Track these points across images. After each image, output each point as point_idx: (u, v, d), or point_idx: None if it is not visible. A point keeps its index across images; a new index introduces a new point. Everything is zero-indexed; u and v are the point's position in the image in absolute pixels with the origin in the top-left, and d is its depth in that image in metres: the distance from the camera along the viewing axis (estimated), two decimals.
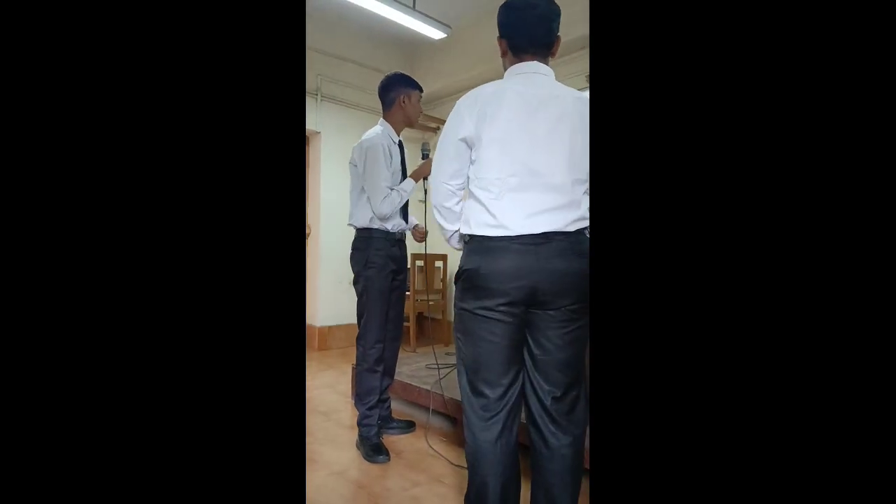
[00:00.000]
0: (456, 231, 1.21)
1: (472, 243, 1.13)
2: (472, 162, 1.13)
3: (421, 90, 2.08)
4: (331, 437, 2.11)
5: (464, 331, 1.15)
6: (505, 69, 1.21)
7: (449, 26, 3.37)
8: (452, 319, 4.12)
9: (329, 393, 2.77)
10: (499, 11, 1.18)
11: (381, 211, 1.88)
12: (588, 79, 3.35)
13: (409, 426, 2.19)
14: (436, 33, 3.34)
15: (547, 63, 1.17)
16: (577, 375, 1.15)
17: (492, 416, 1.11)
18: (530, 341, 1.14)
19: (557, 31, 1.17)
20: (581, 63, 3.36)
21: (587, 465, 1.48)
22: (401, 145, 2.07)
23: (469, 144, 1.12)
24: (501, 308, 1.09)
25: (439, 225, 1.22)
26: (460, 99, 1.15)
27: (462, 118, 1.11)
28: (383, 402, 2.11)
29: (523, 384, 1.16)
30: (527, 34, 1.15)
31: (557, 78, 1.20)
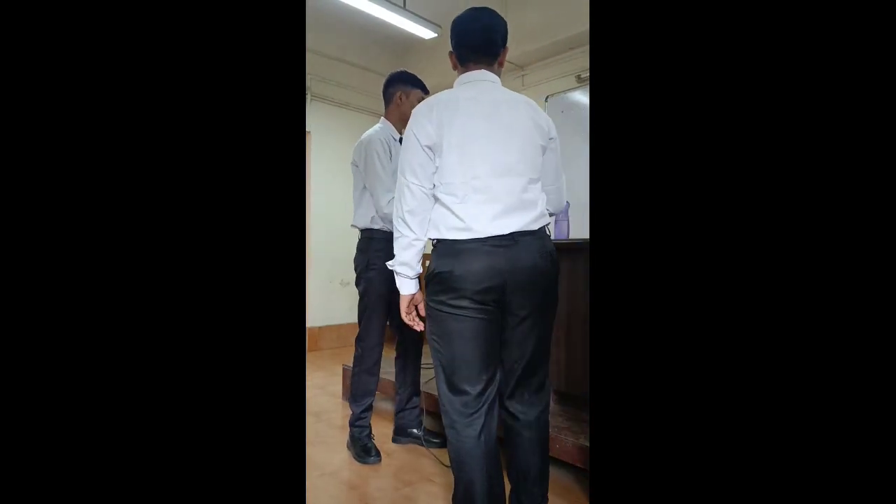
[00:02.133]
0: (422, 242, 1.20)
1: (441, 247, 1.17)
2: (435, 169, 1.17)
3: (423, 89, 2.00)
4: (322, 439, 2.10)
5: (440, 332, 1.17)
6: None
7: (440, 26, 3.37)
8: None
9: (320, 394, 2.76)
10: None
11: (385, 211, 1.83)
12: (578, 79, 3.36)
13: None
14: (426, 33, 3.34)
15: (493, 71, 1.22)
16: (545, 362, 1.23)
17: (473, 413, 1.15)
18: (503, 335, 1.19)
19: (503, 44, 1.23)
20: (571, 63, 3.38)
21: (581, 464, 1.50)
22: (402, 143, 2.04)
23: (434, 150, 1.15)
24: (476, 307, 1.13)
25: (401, 234, 1.19)
26: (416, 107, 1.20)
27: (423, 125, 1.15)
28: (413, 409, 2.08)
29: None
30: (469, 45, 1.21)
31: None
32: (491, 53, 1.21)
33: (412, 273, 1.22)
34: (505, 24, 1.23)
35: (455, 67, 1.25)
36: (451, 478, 1.69)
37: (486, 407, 1.17)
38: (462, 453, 1.16)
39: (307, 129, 3.92)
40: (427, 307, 1.21)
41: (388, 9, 3.01)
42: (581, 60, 3.35)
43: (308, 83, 3.85)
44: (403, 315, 1.28)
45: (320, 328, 3.97)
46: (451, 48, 1.25)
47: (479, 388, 1.16)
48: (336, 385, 2.85)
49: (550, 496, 1.58)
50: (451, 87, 1.22)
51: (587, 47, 3.32)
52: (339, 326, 4.11)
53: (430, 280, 1.18)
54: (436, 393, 2.07)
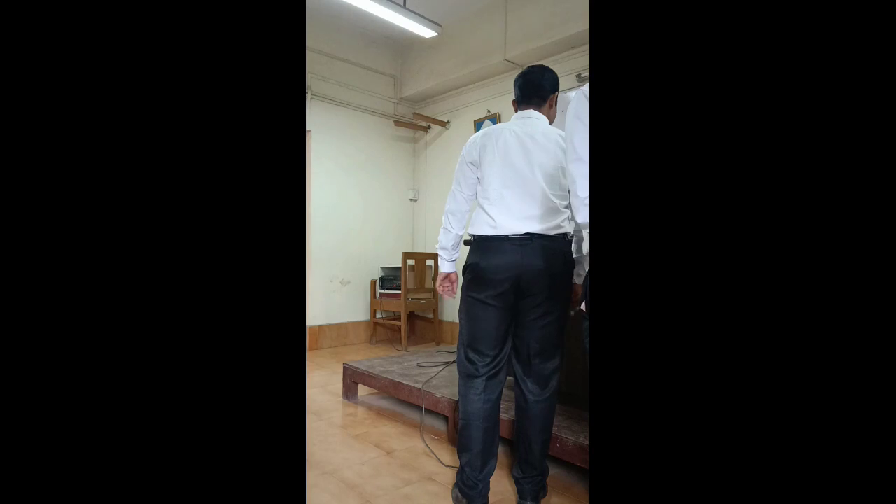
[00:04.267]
0: (459, 235, 1.59)
1: (474, 244, 1.51)
2: (478, 180, 1.53)
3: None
4: (322, 437, 2.10)
5: (466, 312, 1.52)
6: None
7: (440, 25, 3.37)
8: (444, 318, 4.09)
9: (320, 393, 2.76)
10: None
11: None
12: (578, 78, 3.36)
13: None
14: (427, 32, 3.33)
15: (543, 111, 1.58)
16: (554, 351, 1.49)
17: (478, 377, 1.49)
18: (518, 323, 1.49)
19: (552, 90, 1.60)
20: (571, 63, 3.38)
21: (581, 463, 1.50)
22: None
23: (476, 166, 1.54)
24: (495, 294, 1.44)
25: (444, 227, 1.59)
26: (473, 135, 1.59)
27: (471, 147, 1.55)
28: None
29: (511, 355, 1.52)
30: (523, 92, 1.59)
31: None
32: (539, 96, 1.57)
33: (448, 256, 1.61)
34: (555, 76, 1.61)
35: (515, 109, 1.61)
36: (452, 478, 1.70)
37: (487, 377, 1.48)
38: (465, 406, 1.50)
39: (308, 128, 3.91)
40: (461, 291, 1.55)
41: (388, 7, 3.01)
42: (581, 60, 3.35)
43: (308, 82, 3.85)
44: (438, 286, 1.66)
45: (321, 327, 3.98)
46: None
47: (486, 360, 1.48)
48: (336, 384, 2.85)
49: (551, 494, 1.59)
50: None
51: (587, 47, 3.32)
52: (340, 325, 4.12)
53: (464, 271, 1.53)
54: (436, 393, 2.09)
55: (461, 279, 1.58)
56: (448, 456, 1.89)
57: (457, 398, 1.99)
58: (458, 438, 1.52)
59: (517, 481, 1.53)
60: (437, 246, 1.62)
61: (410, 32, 3.41)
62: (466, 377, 1.50)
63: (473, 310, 1.49)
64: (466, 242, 1.58)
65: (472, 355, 1.49)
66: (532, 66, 1.63)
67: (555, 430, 1.61)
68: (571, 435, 1.63)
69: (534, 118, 1.55)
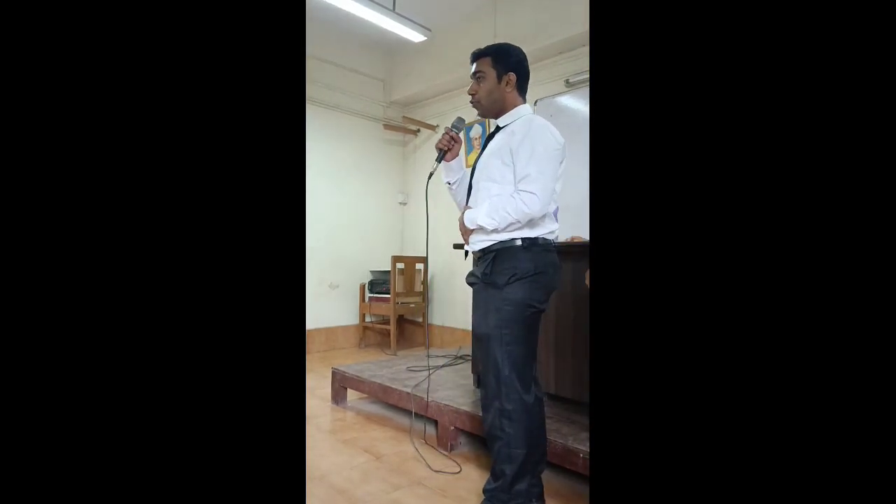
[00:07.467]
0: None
1: (537, 247, 1.42)
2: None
3: None
4: (310, 442, 2.08)
5: (527, 329, 1.42)
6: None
7: (429, 29, 3.38)
8: (433, 322, 4.05)
9: (309, 397, 2.73)
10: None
11: None
12: (566, 83, 3.38)
13: None
14: (416, 36, 3.34)
15: None
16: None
17: (539, 398, 1.46)
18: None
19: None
20: (559, 68, 3.40)
21: (570, 466, 1.50)
22: None
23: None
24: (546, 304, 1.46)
25: (503, 222, 1.41)
26: (551, 127, 1.41)
27: (562, 144, 1.45)
28: None
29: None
30: (526, 79, 1.53)
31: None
32: None
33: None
34: None
35: (518, 98, 1.49)
36: (442, 482, 1.69)
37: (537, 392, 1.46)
38: (542, 436, 1.45)
39: None
40: (518, 312, 1.39)
41: (377, 11, 3.01)
42: (570, 65, 3.37)
43: None
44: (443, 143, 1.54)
45: (309, 331, 3.95)
46: (514, 79, 1.45)
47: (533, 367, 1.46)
48: (325, 388, 2.83)
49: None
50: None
51: (575, 52, 3.34)
52: (329, 329, 4.09)
53: (517, 279, 1.38)
54: (426, 397, 2.08)
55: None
56: (437, 460, 1.89)
57: (446, 402, 1.99)
58: (523, 466, 1.39)
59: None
60: (471, 221, 1.42)
61: (400, 36, 3.41)
62: (532, 408, 1.40)
63: (535, 323, 1.43)
64: (486, 249, 1.43)
65: (531, 384, 1.43)
66: (517, 47, 1.49)
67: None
68: (560, 437, 1.63)
69: None
